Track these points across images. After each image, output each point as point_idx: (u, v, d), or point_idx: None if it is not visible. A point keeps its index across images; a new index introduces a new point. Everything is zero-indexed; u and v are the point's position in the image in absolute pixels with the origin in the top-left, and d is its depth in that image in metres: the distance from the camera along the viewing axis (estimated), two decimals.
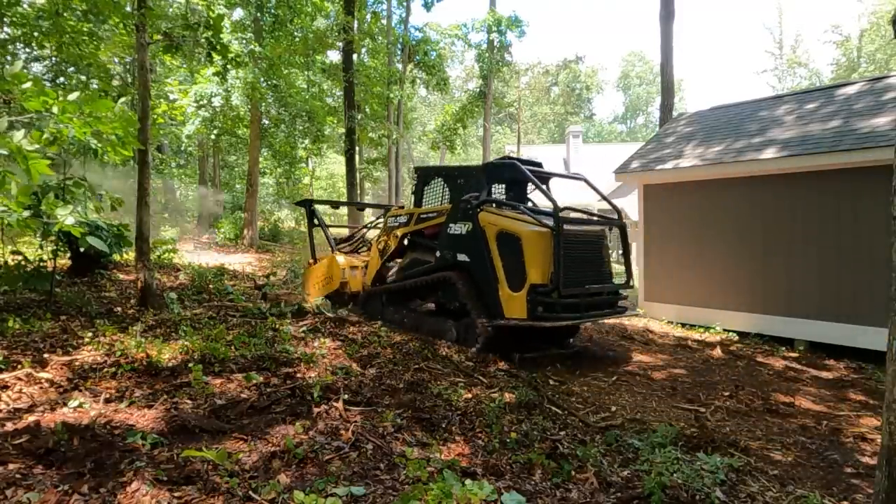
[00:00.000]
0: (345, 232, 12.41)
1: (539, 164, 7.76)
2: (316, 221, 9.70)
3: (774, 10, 73.10)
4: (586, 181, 7.64)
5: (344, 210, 20.34)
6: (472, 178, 7.15)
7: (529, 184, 7.45)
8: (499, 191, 7.52)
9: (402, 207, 9.06)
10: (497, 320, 6.29)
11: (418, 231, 7.68)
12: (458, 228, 6.81)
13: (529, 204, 7.67)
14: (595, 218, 7.53)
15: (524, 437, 3.94)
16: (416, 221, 7.70)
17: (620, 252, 7.14)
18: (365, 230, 10.42)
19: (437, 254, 7.07)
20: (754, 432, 4.71)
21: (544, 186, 6.60)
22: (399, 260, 8.11)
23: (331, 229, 10.12)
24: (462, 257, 6.74)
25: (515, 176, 7.12)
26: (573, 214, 7.69)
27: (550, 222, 6.12)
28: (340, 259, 8.97)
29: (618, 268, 9.09)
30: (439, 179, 7.78)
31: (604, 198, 7.47)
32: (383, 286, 8.06)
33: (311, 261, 9.69)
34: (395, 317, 7.77)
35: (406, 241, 7.98)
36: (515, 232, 6.21)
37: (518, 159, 7.01)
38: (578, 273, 6.23)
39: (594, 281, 6.47)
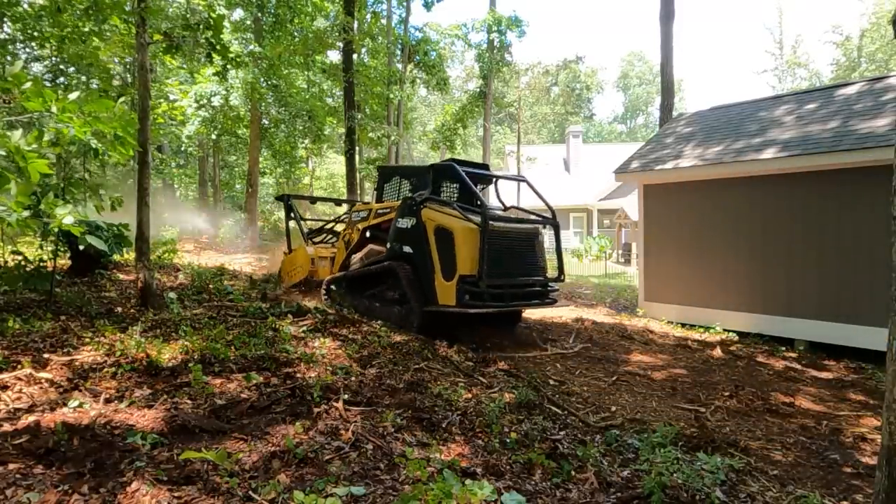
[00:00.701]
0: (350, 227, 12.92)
1: (486, 167, 8.73)
2: (292, 215, 10.44)
3: (775, 10, 73.09)
4: (527, 183, 8.40)
5: (344, 207, 20.42)
6: (422, 177, 7.87)
7: (483, 183, 8.43)
8: (452, 189, 8.24)
9: (366, 203, 9.83)
10: (431, 306, 6.95)
11: (377, 225, 8.35)
12: (404, 223, 7.47)
13: (497, 203, 8.58)
14: (529, 217, 8.14)
15: (524, 437, 3.94)
16: (374, 216, 8.41)
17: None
18: (334, 224, 11.17)
19: (388, 245, 7.73)
20: (754, 432, 4.71)
21: (482, 187, 7.51)
22: (361, 251, 8.79)
23: (307, 222, 10.94)
24: (407, 249, 7.39)
25: (454, 176, 7.71)
26: (516, 214, 8.41)
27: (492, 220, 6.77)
28: (310, 249, 9.74)
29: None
30: (396, 178, 8.57)
31: (541, 198, 8.11)
32: (342, 274, 8.77)
33: (286, 250, 10.50)
34: (353, 303, 8.39)
35: (367, 234, 8.61)
36: (449, 227, 6.84)
37: (461, 161, 7.70)
38: (504, 266, 6.85)
39: (521, 274, 7.15)
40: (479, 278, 6.51)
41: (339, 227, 10.65)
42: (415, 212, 7.28)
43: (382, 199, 8.64)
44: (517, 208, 8.77)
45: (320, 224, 11.55)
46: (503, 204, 8.56)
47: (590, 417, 4.71)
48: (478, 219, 6.73)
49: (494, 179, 8.40)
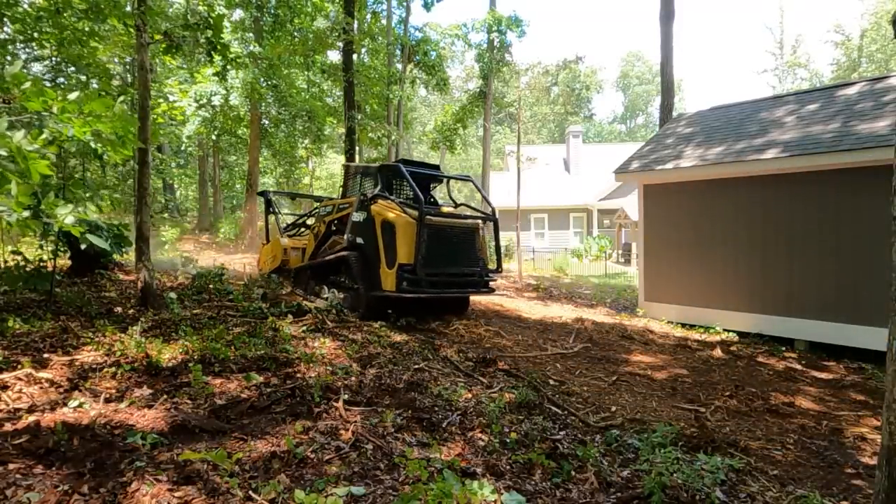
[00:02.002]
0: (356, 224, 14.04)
1: (436, 167, 9.40)
2: (272, 209, 11.42)
3: (775, 9, 73.12)
4: (473, 182, 9.40)
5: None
6: (376, 175, 8.53)
7: (434, 182, 9.20)
8: (403, 187, 8.78)
9: (332, 199, 10.58)
10: (376, 291, 7.64)
11: (340, 218, 9.01)
12: (358, 217, 8.16)
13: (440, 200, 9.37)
14: (469, 213, 8.79)
15: (524, 437, 3.94)
16: (337, 211, 9.10)
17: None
18: (307, 217, 11.91)
19: (345, 237, 8.38)
20: (754, 432, 4.70)
21: (434, 185, 8.55)
22: (326, 243, 9.43)
23: (283, 216, 11.95)
24: (360, 240, 8.07)
25: (401, 175, 8.23)
26: (461, 210, 9.12)
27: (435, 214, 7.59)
28: (284, 241, 10.66)
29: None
30: (358, 176, 9.21)
31: (484, 197, 9.05)
32: (307, 264, 9.51)
33: (264, 241, 11.50)
34: (315, 289, 9.11)
35: (333, 227, 9.26)
36: (392, 220, 7.52)
37: (412, 162, 8.67)
38: (440, 257, 7.56)
39: (458, 264, 7.90)
40: (415, 267, 7.19)
41: (311, 221, 11.42)
42: (366, 206, 7.99)
43: (347, 195, 9.27)
44: (467, 206, 9.57)
45: (295, 218, 12.43)
46: (454, 201, 9.32)
47: (590, 417, 4.71)
48: (417, 213, 7.36)
49: (445, 179, 9.35)
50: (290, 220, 12.19)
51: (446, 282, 7.76)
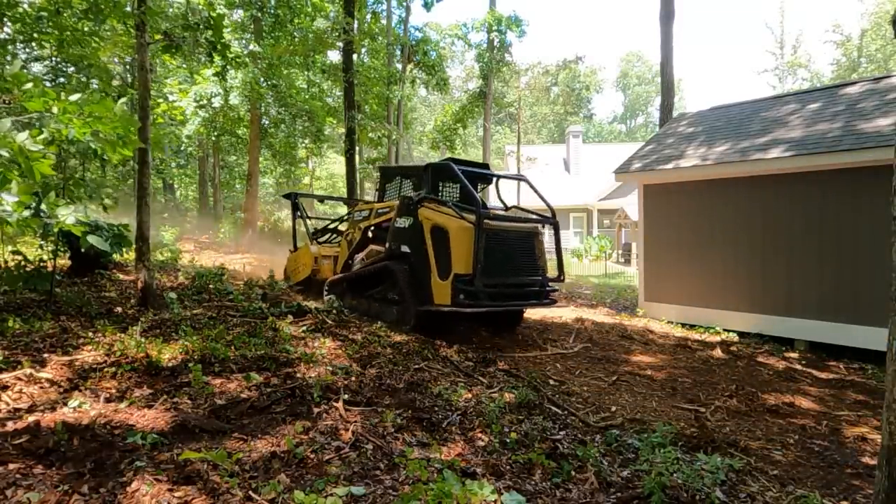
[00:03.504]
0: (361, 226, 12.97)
1: (485, 167, 8.64)
2: (299, 213, 10.57)
3: (775, 9, 73.13)
4: (528, 182, 8.33)
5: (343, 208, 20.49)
6: (421, 177, 7.84)
7: (482, 182, 8.32)
8: (453, 189, 8.16)
9: (368, 203, 9.85)
10: (427, 305, 6.90)
11: (378, 224, 8.32)
12: (402, 222, 7.43)
13: (500, 203, 8.50)
14: (528, 216, 7.99)
15: (524, 437, 3.94)
16: (375, 216, 8.39)
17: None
18: (339, 223, 11.18)
19: (387, 245, 7.68)
20: (754, 432, 4.71)
21: (482, 186, 7.54)
22: (363, 251, 8.77)
23: (312, 221, 11.13)
24: (405, 248, 7.34)
25: (452, 176, 7.60)
26: (515, 213, 8.33)
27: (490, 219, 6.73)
28: (313, 248, 9.79)
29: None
30: (398, 178, 8.55)
31: (541, 197, 8.05)
32: (344, 274, 8.74)
33: (292, 248, 10.63)
34: (352, 303, 8.35)
35: (369, 234, 8.61)
36: (445, 226, 6.80)
37: (459, 161, 7.66)
38: (500, 265, 6.81)
39: (519, 273, 7.10)
40: (473, 277, 6.44)
41: (344, 227, 10.59)
42: (412, 211, 7.25)
43: (384, 198, 8.62)
44: (518, 208, 8.67)
45: (325, 223, 11.55)
46: (504, 203, 8.44)
47: (590, 417, 4.71)
48: (474, 217, 6.64)
49: (495, 179, 8.32)
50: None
51: (507, 293, 6.97)
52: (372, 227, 8.48)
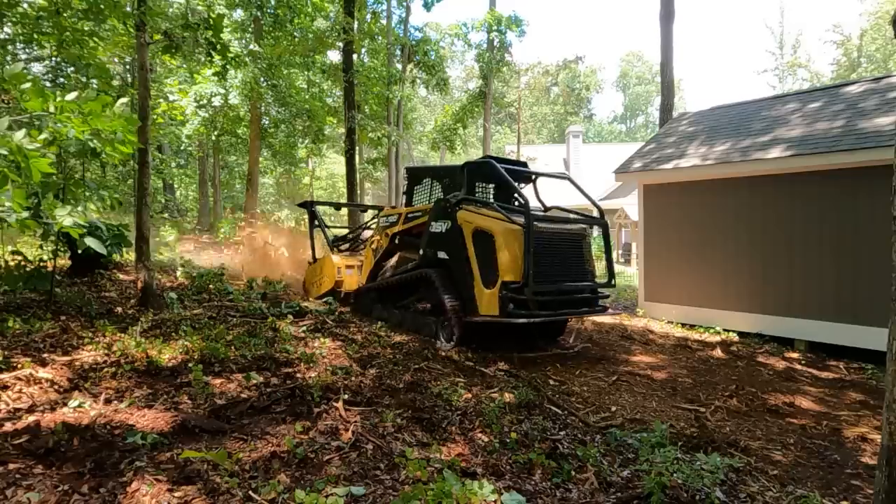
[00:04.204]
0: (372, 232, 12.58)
1: (524, 165, 7.88)
2: (317, 222, 9.99)
3: (775, 9, 73.12)
4: (570, 180, 7.75)
5: (343, 210, 20.42)
6: (455, 177, 7.28)
7: (521, 182, 7.47)
8: (487, 190, 7.61)
9: (395, 207, 9.25)
10: (471, 316, 6.35)
11: (408, 230, 7.79)
12: (438, 227, 6.93)
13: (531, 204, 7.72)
14: (575, 216, 7.50)
15: (524, 437, 3.94)
16: (404, 221, 7.86)
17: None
18: (361, 230, 10.62)
19: (421, 251, 7.17)
20: (754, 432, 4.70)
21: (521, 185, 6.75)
22: (391, 259, 8.29)
23: (331, 229, 10.43)
24: (442, 255, 6.84)
25: (493, 174, 7.15)
26: (559, 214, 7.71)
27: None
28: (335, 258, 9.14)
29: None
30: (428, 179, 8.00)
31: (587, 197, 7.51)
32: (372, 284, 8.23)
33: (311, 260, 9.96)
34: (383, 314, 7.92)
35: (397, 241, 8.09)
36: (489, 229, 6.25)
37: (498, 159, 6.98)
38: (552, 270, 6.29)
39: (570, 279, 6.55)
40: (524, 285, 5.91)
41: (363, 234, 10.20)
42: (449, 214, 6.75)
43: (412, 202, 8.15)
44: (559, 208, 8.01)
45: (345, 231, 11.06)
46: (543, 204, 7.78)
47: (590, 417, 4.71)
48: (520, 219, 6.12)
49: (534, 177, 7.67)
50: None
51: (560, 301, 6.42)
52: (400, 234, 7.99)
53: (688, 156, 9.77)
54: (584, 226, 7.09)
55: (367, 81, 21.67)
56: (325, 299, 8.93)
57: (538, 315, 6.13)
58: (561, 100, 58.12)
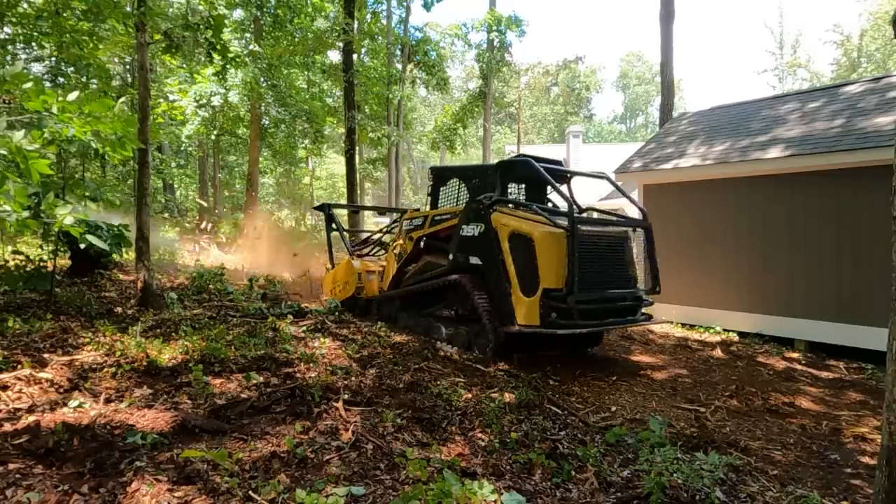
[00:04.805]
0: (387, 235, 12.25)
1: (559, 163, 7.42)
2: (334, 226, 9.61)
3: (775, 9, 73.16)
4: (609, 180, 7.43)
5: (342, 212, 20.40)
6: (486, 177, 6.85)
7: (557, 181, 6.94)
8: (518, 190, 7.29)
9: (419, 210, 8.84)
10: (509, 326, 5.95)
11: (434, 234, 7.41)
12: (470, 230, 6.54)
13: (550, 205, 7.44)
14: (617, 219, 7.10)
15: (524, 437, 3.94)
16: (430, 224, 7.47)
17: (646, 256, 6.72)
18: (380, 234, 10.28)
19: (450, 256, 6.78)
20: (754, 432, 4.70)
21: (563, 186, 6.39)
22: (416, 264, 7.83)
23: (347, 233, 10.09)
24: (474, 260, 6.46)
25: (529, 174, 6.76)
26: (595, 215, 7.38)
27: (566, 222, 5.76)
28: (356, 263, 8.71)
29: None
30: (455, 180, 7.61)
31: (627, 197, 7.13)
32: (396, 291, 7.84)
33: (329, 265, 9.64)
34: (409, 322, 7.62)
35: (422, 245, 7.70)
36: (528, 233, 5.88)
37: (534, 157, 6.59)
38: (596, 277, 5.91)
39: (614, 286, 6.18)
40: (567, 292, 5.52)
41: (383, 238, 9.84)
42: (483, 217, 6.35)
43: (437, 203, 7.77)
44: (594, 209, 7.56)
45: (365, 235, 10.63)
46: (578, 205, 7.04)
47: (590, 417, 4.71)
48: (561, 221, 5.80)
49: (569, 176, 7.23)
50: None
51: (605, 310, 6.04)
52: (425, 237, 7.57)
53: (688, 156, 9.76)
54: (625, 228, 6.76)
55: (367, 81, 21.68)
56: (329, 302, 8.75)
57: (583, 325, 5.75)
58: (561, 100, 58.12)
